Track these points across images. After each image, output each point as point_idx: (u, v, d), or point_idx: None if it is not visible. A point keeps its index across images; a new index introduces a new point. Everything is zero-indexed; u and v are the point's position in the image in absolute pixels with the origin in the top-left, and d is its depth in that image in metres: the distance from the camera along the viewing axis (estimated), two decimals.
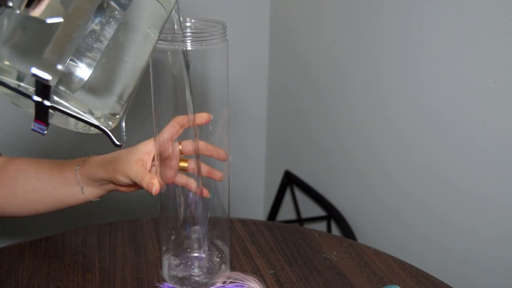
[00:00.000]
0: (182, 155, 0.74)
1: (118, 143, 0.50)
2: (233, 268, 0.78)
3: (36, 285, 0.74)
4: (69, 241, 0.85)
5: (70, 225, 0.95)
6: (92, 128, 0.48)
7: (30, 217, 0.82)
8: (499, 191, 0.89)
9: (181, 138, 0.72)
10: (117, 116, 0.50)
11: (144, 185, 0.70)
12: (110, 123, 0.50)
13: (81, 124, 0.48)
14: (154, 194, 0.69)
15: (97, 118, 0.48)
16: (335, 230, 1.33)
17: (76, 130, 0.49)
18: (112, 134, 0.49)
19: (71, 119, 0.47)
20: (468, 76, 0.91)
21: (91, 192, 0.77)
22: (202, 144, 0.72)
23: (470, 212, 0.95)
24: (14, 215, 0.81)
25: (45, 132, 0.46)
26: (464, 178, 0.95)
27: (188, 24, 0.66)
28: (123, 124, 0.51)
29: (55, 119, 0.47)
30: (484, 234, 0.94)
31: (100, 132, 0.48)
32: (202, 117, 0.69)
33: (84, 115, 0.47)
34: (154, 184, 0.69)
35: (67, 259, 0.80)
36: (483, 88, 0.89)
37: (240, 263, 0.80)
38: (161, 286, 0.73)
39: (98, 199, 0.79)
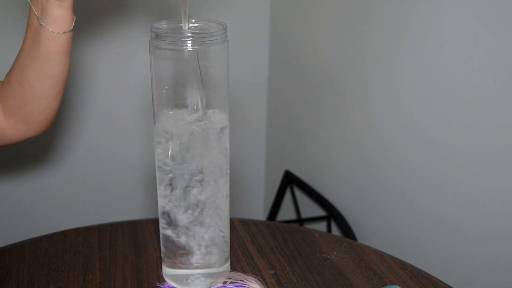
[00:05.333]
0: None
1: None
2: (233, 268, 0.78)
3: (36, 285, 0.74)
4: (69, 241, 0.85)
5: (70, 225, 0.94)
6: None
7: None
8: (500, 192, 0.89)
9: None
10: None
11: None
12: None
13: None
14: None
15: None
16: (335, 230, 1.33)
17: None
18: None
19: None
20: (468, 76, 0.91)
21: (50, 20, 0.68)
22: None
23: (470, 213, 0.95)
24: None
25: None
26: (464, 179, 0.95)
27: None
28: None
29: None
30: (484, 235, 0.94)
31: None
32: None
33: None
34: None
35: (67, 259, 0.80)
36: (483, 88, 0.89)
37: (240, 263, 0.80)
38: (161, 286, 0.73)
39: (66, 31, 0.69)
